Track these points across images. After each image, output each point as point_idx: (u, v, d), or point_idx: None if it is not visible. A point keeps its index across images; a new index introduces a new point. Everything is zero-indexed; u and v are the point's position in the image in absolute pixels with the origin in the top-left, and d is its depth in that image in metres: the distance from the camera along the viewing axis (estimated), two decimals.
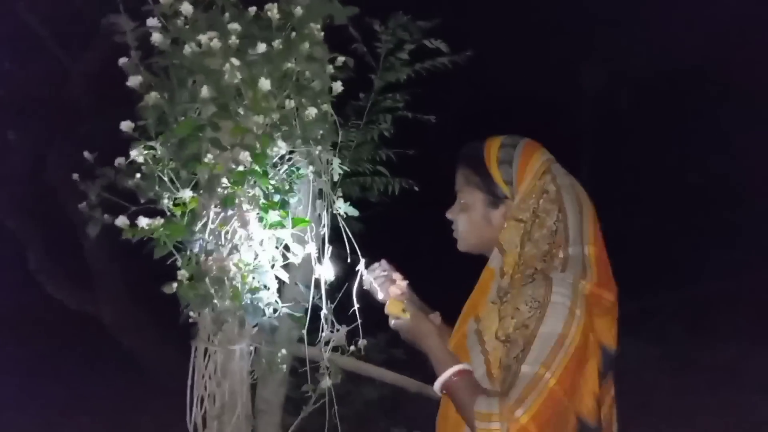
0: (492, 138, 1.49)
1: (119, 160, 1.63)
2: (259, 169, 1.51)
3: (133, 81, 1.57)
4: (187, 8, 1.48)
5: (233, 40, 1.45)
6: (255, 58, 1.47)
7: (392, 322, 1.49)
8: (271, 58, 1.49)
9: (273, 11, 1.50)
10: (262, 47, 1.47)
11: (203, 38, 1.46)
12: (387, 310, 1.50)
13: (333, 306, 1.70)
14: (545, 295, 1.29)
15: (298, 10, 1.54)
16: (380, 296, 1.54)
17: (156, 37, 1.52)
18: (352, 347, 1.72)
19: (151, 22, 1.56)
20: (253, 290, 1.50)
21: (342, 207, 1.69)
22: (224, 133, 1.51)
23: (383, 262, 1.61)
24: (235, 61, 1.44)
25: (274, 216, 1.55)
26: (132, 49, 1.63)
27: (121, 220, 1.49)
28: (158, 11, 1.56)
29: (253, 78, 1.46)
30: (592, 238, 1.37)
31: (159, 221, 1.43)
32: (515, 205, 1.41)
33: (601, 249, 1.38)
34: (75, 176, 1.66)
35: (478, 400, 1.26)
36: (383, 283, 1.54)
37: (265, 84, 1.45)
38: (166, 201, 1.52)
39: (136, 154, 1.53)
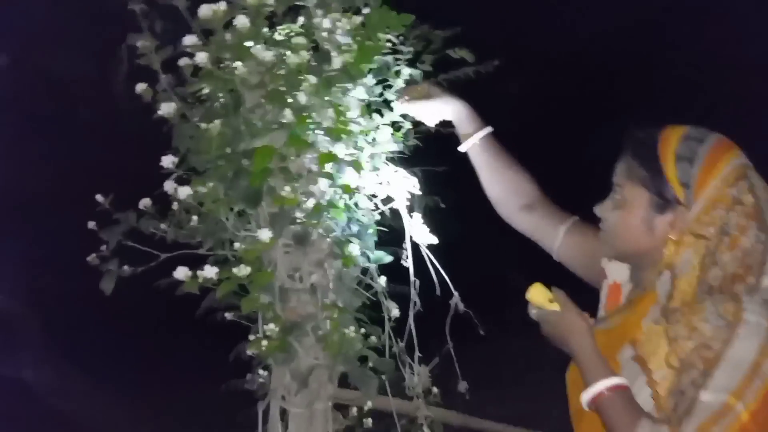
0: (674, 126, 1.21)
1: (145, 202, 1.43)
2: (338, 203, 1.32)
3: (166, 109, 1.36)
4: (242, 21, 1.27)
5: (304, 54, 1.25)
6: (333, 74, 1.27)
7: (533, 311, 1.25)
8: (350, 74, 1.29)
9: (343, 21, 1.30)
10: (338, 61, 1.26)
11: (266, 55, 1.25)
12: (529, 296, 1.25)
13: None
14: (735, 312, 1.07)
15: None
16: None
17: (201, 57, 1.31)
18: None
19: (190, 39, 1.36)
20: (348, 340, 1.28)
21: (422, 235, 1.48)
22: (294, 162, 1.31)
23: None
24: (312, 79, 1.24)
25: (354, 249, 1.36)
26: (160, 72, 1.44)
27: (182, 272, 1.27)
28: (197, 27, 1.36)
29: (332, 96, 1.26)
30: None
31: (243, 269, 1.21)
32: (694, 215, 1.15)
33: None
34: (91, 224, 1.46)
35: (641, 422, 1.06)
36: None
37: (353, 102, 1.26)
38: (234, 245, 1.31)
39: (188, 193, 1.32)
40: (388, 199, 1.45)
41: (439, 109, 1.50)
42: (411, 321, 1.41)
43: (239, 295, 1.32)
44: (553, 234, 1.45)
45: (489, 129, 1.50)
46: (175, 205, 1.44)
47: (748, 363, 1.04)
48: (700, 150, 1.15)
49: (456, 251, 1.52)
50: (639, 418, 1.07)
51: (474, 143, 1.50)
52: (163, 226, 1.44)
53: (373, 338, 1.35)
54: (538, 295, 1.24)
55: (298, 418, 1.38)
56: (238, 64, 1.30)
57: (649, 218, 1.18)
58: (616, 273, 1.33)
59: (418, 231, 1.44)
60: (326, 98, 1.27)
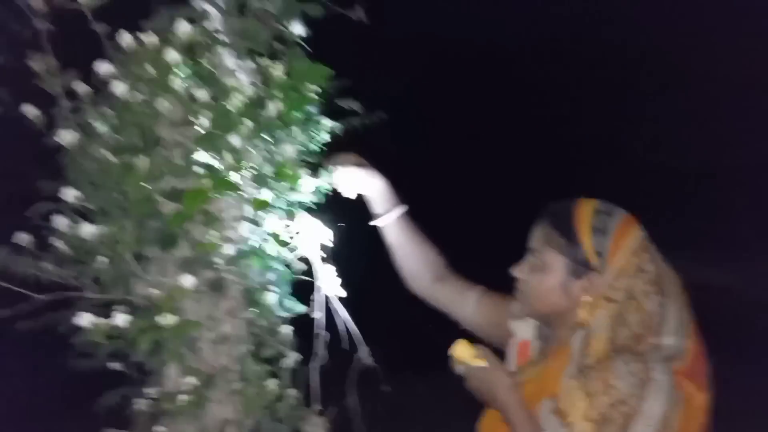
0: (583, 200, 1.34)
1: (23, 237, 1.30)
2: (259, 251, 1.29)
3: (67, 137, 1.26)
4: (173, 57, 1.21)
5: (241, 97, 1.22)
6: (270, 120, 1.25)
7: (459, 367, 1.29)
8: (284, 121, 1.28)
9: (276, 70, 1.29)
10: (273, 108, 1.25)
11: (201, 94, 1.20)
12: (455, 353, 1.29)
13: None
14: (644, 371, 1.18)
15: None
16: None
17: (119, 88, 1.23)
18: None
19: (106, 67, 1.27)
20: None
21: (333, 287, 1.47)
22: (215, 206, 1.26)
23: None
24: (249, 123, 1.20)
25: (272, 298, 1.32)
26: (62, 97, 1.33)
27: (87, 319, 1.16)
28: (113, 54, 1.28)
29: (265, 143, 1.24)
30: (692, 332, 1.26)
31: (169, 318, 1.12)
32: (607, 282, 1.26)
33: (699, 346, 1.27)
34: None
35: None
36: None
37: (287, 150, 1.24)
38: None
39: (92, 232, 1.21)
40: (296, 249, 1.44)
41: (361, 182, 1.54)
42: (313, 372, 1.39)
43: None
44: (465, 302, 1.56)
45: (404, 208, 1.57)
46: (57, 242, 1.32)
47: (659, 416, 1.17)
48: (611, 223, 1.29)
49: (368, 304, 1.54)
50: None
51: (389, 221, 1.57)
52: (46, 264, 1.32)
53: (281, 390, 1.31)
54: (463, 351, 1.28)
55: None
56: (160, 100, 1.24)
57: (566, 282, 1.29)
58: (524, 332, 1.44)
59: (330, 282, 1.44)
60: (257, 144, 1.25)
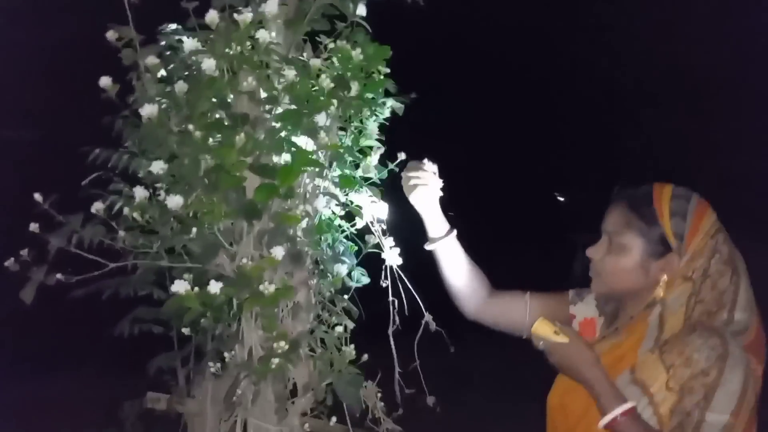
0: (660, 184, 1.41)
1: (97, 206, 1.35)
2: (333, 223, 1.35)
3: (149, 110, 1.29)
4: (263, 35, 1.25)
5: (327, 80, 1.27)
6: (353, 101, 1.30)
7: (540, 344, 1.34)
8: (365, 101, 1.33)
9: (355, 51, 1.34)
10: (354, 89, 1.30)
11: (289, 73, 1.25)
12: (534, 330, 1.34)
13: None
14: (723, 344, 1.27)
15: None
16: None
17: (208, 64, 1.26)
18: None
19: (192, 44, 1.31)
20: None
21: (393, 257, 1.54)
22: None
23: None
24: (335, 103, 1.26)
25: (342, 269, 1.39)
26: (142, 69, 1.36)
27: (182, 286, 1.21)
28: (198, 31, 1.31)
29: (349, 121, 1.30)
30: (755, 308, 1.35)
31: (268, 287, 1.18)
32: (684, 262, 1.34)
33: (760, 322, 1.35)
34: (33, 226, 1.35)
35: None
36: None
37: (370, 126, 1.30)
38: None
39: (179, 203, 1.25)
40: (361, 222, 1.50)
41: (423, 198, 1.53)
42: (391, 339, 1.47)
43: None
44: (518, 309, 1.59)
45: (454, 231, 1.58)
46: (126, 211, 1.37)
47: (738, 388, 1.25)
48: (689, 207, 1.37)
49: (424, 272, 1.61)
50: None
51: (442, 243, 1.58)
52: (122, 233, 1.36)
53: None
54: (544, 328, 1.34)
55: None
56: (245, 75, 1.28)
57: (644, 262, 1.37)
58: (586, 311, 1.54)
59: (390, 253, 1.51)
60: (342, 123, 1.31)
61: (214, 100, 1.32)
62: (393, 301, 1.47)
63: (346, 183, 1.31)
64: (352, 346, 1.34)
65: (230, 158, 1.21)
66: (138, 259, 1.40)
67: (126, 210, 1.36)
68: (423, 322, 1.51)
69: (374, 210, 1.49)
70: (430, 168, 1.51)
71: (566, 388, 1.39)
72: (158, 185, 1.37)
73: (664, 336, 1.33)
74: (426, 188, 1.52)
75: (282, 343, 1.22)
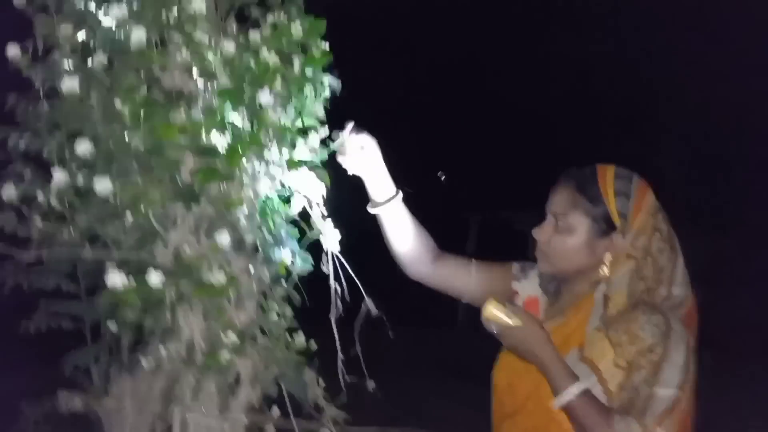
0: (603, 165, 1.46)
1: (8, 192, 1.23)
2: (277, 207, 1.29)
3: (70, 84, 1.17)
4: (198, 6, 1.16)
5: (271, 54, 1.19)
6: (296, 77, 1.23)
7: (493, 326, 1.35)
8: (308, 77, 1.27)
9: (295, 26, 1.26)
10: (297, 65, 1.24)
11: (229, 47, 1.17)
12: (486, 314, 1.34)
13: None
14: (665, 321, 1.33)
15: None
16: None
17: (138, 35, 1.15)
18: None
19: (120, 11, 1.19)
20: None
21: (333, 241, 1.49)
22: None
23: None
24: (279, 79, 1.19)
25: (287, 255, 1.33)
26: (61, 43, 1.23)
27: (119, 279, 1.11)
28: None
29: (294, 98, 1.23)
30: (689, 282, 1.43)
31: (218, 276, 1.10)
32: (628, 240, 1.40)
33: (694, 296, 1.43)
34: None
35: (618, 420, 1.27)
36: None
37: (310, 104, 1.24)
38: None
39: (108, 188, 1.15)
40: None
41: (364, 165, 1.52)
42: (334, 326, 1.43)
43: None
44: (467, 275, 1.62)
45: (401, 194, 1.57)
46: (41, 198, 1.24)
47: (683, 361, 1.32)
48: (632, 187, 1.43)
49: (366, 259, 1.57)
50: (610, 415, 1.28)
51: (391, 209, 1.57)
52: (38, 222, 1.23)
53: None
54: (495, 312, 1.34)
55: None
56: (184, 51, 1.19)
57: (591, 242, 1.42)
58: (529, 289, 1.58)
59: (329, 237, 1.46)
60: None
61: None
62: (335, 287, 1.43)
63: (292, 165, 1.25)
64: (302, 334, 1.29)
65: (170, 139, 1.12)
66: (53, 248, 1.28)
67: (40, 196, 1.24)
68: (363, 306, 1.47)
69: (314, 192, 1.43)
70: (358, 136, 1.49)
71: (513, 367, 1.42)
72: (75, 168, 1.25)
73: (609, 313, 1.39)
74: (363, 154, 1.49)
75: (232, 335, 1.16)
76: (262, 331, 1.28)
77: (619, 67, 9.39)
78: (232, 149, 1.14)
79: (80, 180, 1.17)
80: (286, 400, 1.42)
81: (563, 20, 9.59)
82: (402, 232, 1.60)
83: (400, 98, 10.15)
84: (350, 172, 1.54)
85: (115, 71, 1.22)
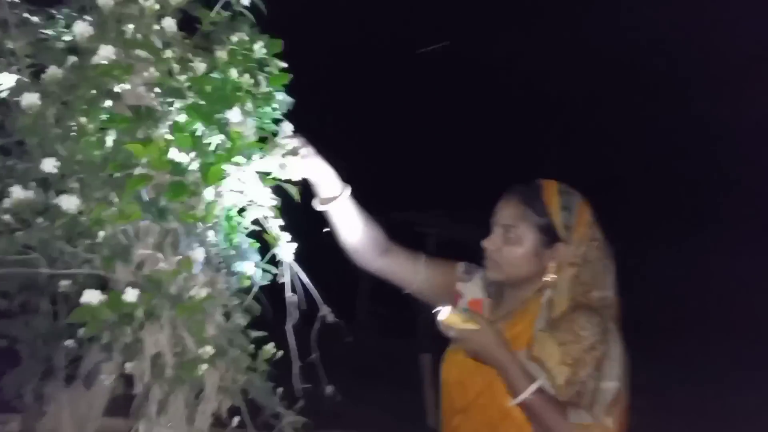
0: (547, 181, 1.59)
1: None
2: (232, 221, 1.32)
3: (28, 99, 1.16)
4: (169, 24, 1.17)
5: (234, 72, 1.23)
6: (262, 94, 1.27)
7: (452, 332, 1.44)
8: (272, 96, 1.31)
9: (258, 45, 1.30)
10: (264, 84, 1.27)
11: (200, 67, 1.19)
12: (446, 320, 1.42)
13: None
14: (602, 322, 1.49)
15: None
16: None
17: (105, 51, 1.15)
18: None
19: (83, 27, 1.18)
20: None
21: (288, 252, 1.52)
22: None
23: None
24: (247, 98, 1.22)
25: (249, 267, 1.36)
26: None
27: (95, 296, 1.11)
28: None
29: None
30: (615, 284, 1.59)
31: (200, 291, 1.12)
32: (571, 250, 1.55)
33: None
34: None
35: (572, 413, 1.41)
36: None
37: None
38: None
39: (75, 204, 1.14)
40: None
41: (307, 169, 1.54)
42: (290, 335, 1.46)
43: None
44: (415, 269, 1.71)
45: (349, 189, 1.62)
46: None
47: (620, 356, 1.48)
48: (573, 202, 1.59)
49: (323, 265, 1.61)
50: (565, 410, 1.41)
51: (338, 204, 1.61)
52: None
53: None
54: (454, 318, 1.43)
55: None
56: (152, 69, 1.20)
57: (539, 252, 1.56)
58: (474, 292, 1.70)
59: (285, 248, 1.50)
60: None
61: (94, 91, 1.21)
62: (292, 296, 1.47)
63: (268, 181, 1.29)
64: (272, 344, 1.33)
65: (143, 156, 1.13)
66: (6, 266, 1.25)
67: None
68: (319, 315, 1.52)
69: (270, 204, 1.47)
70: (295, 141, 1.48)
71: (464, 365, 1.53)
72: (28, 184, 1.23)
73: (553, 316, 1.53)
74: (304, 159, 1.52)
75: (208, 348, 1.18)
76: (229, 342, 1.31)
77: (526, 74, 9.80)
78: (210, 167, 1.16)
79: (43, 196, 1.16)
80: (242, 409, 1.45)
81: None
82: (351, 226, 1.66)
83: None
84: (296, 178, 1.55)
85: (72, 86, 1.21)
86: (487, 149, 10.36)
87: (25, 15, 1.23)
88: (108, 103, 1.21)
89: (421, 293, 1.74)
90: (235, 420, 1.45)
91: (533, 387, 1.41)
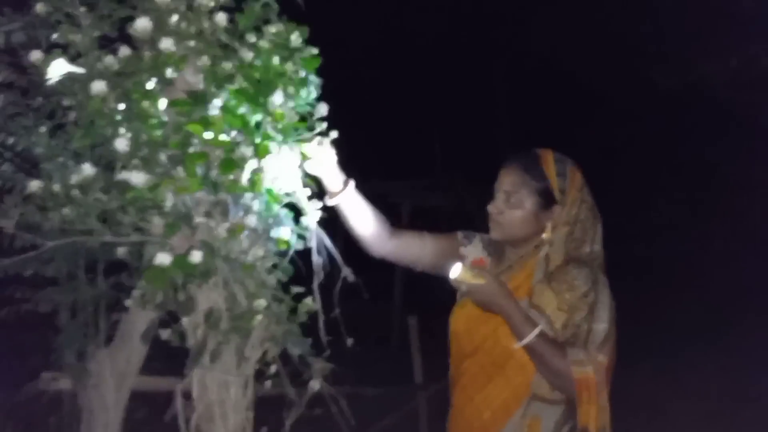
0: (543, 150, 1.78)
1: (34, 184, 1.36)
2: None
3: (98, 87, 1.31)
4: (221, 18, 1.33)
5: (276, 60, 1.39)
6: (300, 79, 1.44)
7: (463, 287, 1.61)
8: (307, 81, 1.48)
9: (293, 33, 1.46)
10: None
11: (247, 55, 1.35)
12: (458, 277, 1.58)
13: None
14: (592, 272, 1.67)
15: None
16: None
17: (165, 44, 1.31)
18: None
19: (143, 23, 1.33)
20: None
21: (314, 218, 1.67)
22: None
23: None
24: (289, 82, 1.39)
25: (286, 232, 1.53)
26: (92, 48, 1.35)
27: (166, 257, 1.27)
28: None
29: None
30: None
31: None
32: (565, 211, 1.73)
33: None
34: None
35: (569, 351, 1.59)
36: None
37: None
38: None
39: (143, 180, 1.30)
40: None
41: (319, 166, 1.65)
42: (316, 292, 1.62)
43: None
44: (422, 246, 1.88)
45: (353, 182, 1.77)
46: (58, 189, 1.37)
47: (609, 301, 1.67)
48: (567, 168, 1.77)
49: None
50: (563, 349, 1.59)
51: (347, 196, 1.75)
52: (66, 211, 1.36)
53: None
54: (464, 274, 1.60)
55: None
56: (205, 57, 1.35)
57: (538, 214, 1.75)
58: (475, 252, 1.90)
59: (312, 216, 1.67)
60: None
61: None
62: (319, 259, 1.64)
63: (305, 158, 1.47)
64: (310, 298, 1.51)
65: (202, 135, 1.29)
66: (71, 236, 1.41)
67: (56, 188, 1.36)
68: (341, 275, 1.70)
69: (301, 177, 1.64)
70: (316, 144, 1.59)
71: (470, 316, 1.73)
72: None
73: (549, 269, 1.72)
74: (324, 157, 1.64)
75: (262, 302, 1.37)
76: (273, 298, 1.49)
77: None
78: (259, 144, 1.33)
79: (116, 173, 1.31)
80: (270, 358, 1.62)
81: None
82: (360, 216, 1.81)
83: None
84: (312, 173, 1.66)
85: (132, 73, 1.36)
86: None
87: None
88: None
89: (431, 267, 1.91)
90: (272, 368, 1.64)
91: (536, 331, 1.58)
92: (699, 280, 9.03)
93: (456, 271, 1.62)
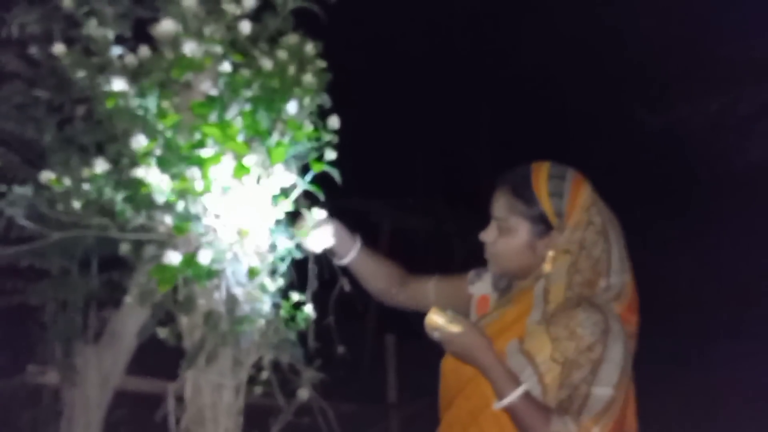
0: (537, 165, 1.49)
1: (46, 176, 1.37)
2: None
3: (120, 85, 1.33)
4: (246, 27, 1.36)
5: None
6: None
7: (435, 334, 1.40)
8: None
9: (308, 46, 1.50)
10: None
11: (266, 63, 1.38)
12: (428, 321, 1.39)
13: None
14: (604, 321, 1.36)
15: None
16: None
17: (190, 47, 1.33)
18: None
19: (168, 25, 1.35)
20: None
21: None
22: None
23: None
24: (299, 92, 1.42)
25: (288, 243, 1.55)
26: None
27: (176, 257, 1.29)
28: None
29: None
30: (629, 267, 1.46)
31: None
32: (564, 237, 1.44)
33: (633, 276, 1.47)
34: None
35: (552, 420, 1.32)
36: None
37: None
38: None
39: (167, 181, 1.31)
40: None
41: (324, 239, 1.59)
42: (309, 299, 1.60)
43: None
44: (426, 294, 1.76)
45: (360, 241, 1.71)
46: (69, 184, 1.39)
47: (620, 360, 1.35)
48: (565, 186, 1.46)
49: None
50: (549, 416, 1.32)
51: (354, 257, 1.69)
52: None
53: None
54: (437, 318, 1.39)
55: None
56: (226, 63, 1.38)
57: (532, 242, 1.47)
58: (482, 289, 1.69)
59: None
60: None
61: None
62: (314, 268, 1.64)
63: (317, 167, 1.49)
64: (310, 306, 1.53)
65: (219, 137, 1.32)
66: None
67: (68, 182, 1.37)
68: (338, 284, 1.71)
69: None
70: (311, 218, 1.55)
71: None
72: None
73: (550, 307, 1.43)
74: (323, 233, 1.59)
75: (265, 306, 1.38)
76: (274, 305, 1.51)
77: None
78: (279, 149, 1.36)
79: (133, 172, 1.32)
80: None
81: None
82: (370, 273, 1.74)
83: None
84: (316, 251, 1.61)
85: (149, 73, 1.38)
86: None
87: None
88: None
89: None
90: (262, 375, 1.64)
91: (518, 391, 1.35)
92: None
93: (429, 316, 1.41)
